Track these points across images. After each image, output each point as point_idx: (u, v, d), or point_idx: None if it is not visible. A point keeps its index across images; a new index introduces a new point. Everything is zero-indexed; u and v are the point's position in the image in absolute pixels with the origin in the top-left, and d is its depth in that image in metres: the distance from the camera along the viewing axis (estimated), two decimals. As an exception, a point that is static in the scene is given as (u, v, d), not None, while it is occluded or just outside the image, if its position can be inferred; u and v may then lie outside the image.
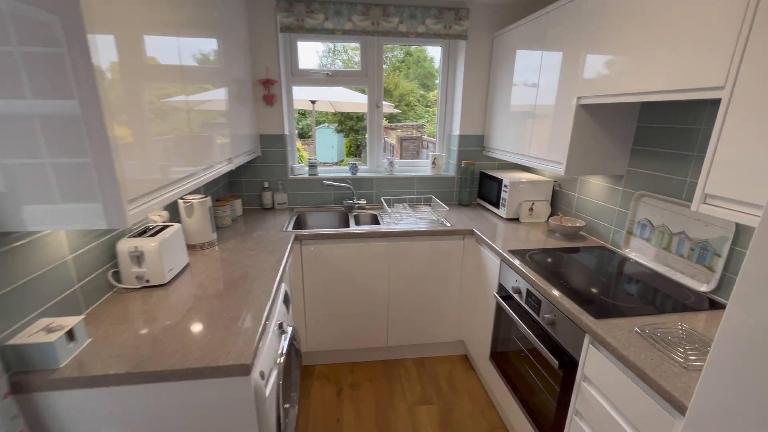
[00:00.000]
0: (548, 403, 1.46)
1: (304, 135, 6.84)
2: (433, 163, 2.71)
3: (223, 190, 2.44)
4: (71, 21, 0.77)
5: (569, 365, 1.31)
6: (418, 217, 2.36)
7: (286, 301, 1.59)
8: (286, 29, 2.23)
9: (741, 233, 1.28)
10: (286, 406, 1.41)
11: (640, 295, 1.38)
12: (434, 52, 2.95)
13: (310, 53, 2.43)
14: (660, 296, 1.37)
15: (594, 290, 1.42)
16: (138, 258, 1.34)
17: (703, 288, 1.38)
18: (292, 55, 2.45)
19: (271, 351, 1.23)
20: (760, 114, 0.92)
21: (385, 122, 2.66)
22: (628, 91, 1.35)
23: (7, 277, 0.94)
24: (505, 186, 2.29)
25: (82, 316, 1.05)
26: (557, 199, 2.31)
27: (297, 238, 2.02)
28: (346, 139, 8.98)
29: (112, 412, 0.97)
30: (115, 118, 0.87)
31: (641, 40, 1.28)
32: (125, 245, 1.32)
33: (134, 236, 1.38)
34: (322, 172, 2.69)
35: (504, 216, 2.32)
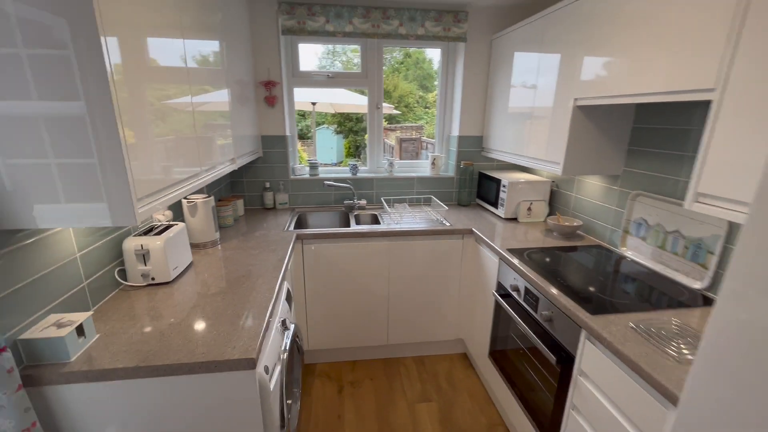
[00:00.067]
0: (546, 399, 1.48)
1: (303, 136, 6.87)
2: (433, 163, 2.74)
3: (225, 190, 2.46)
4: (85, 24, 0.80)
5: (566, 361, 1.34)
6: (417, 216, 2.39)
7: (289, 298, 1.62)
8: (287, 32, 2.26)
9: (733, 231, 1.32)
10: (289, 402, 1.44)
11: (636, 293, 1.41)
12: (433, 54, 2.98)
13: (310, 55, 2.46)
14: (655, 293, 1.40)
15: (590, 288, 1.45)
16: (144, 256, 1.36)
17: (697, 285, 1.41)
18: (294, 57, 2.48)
19: (275, 347, 1.25)
20: (750, 115, 0.96)
21: (384, 123, 2.69)
22: (623, 93, 1.38)
23: (19, 273, 0.97)
24: (504, 186, 2.32)
25: (90, 312, 1.08)
26: (555, 199, 2.34)
27: (298, 238, 2.05)
28: (345, 141, 9.01)
29: (121, 405, 0.99)
30: (125, 119, 0.89)
31: (635, 43, 1.32)
32: (131, 243, 1.35)
33: (139, 235, 1.41)
34: (323, 172, 2.72)
35: (503, 216, 2.35)
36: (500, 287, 1.85)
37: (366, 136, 2.74)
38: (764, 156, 0.92)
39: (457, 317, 2.34)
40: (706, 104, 1.38)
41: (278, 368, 1.23)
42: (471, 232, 2.17)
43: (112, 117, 0.85)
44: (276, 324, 1.33)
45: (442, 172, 2.80)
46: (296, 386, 1.56)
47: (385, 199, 2.67)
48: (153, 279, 1.39)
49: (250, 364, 1.01)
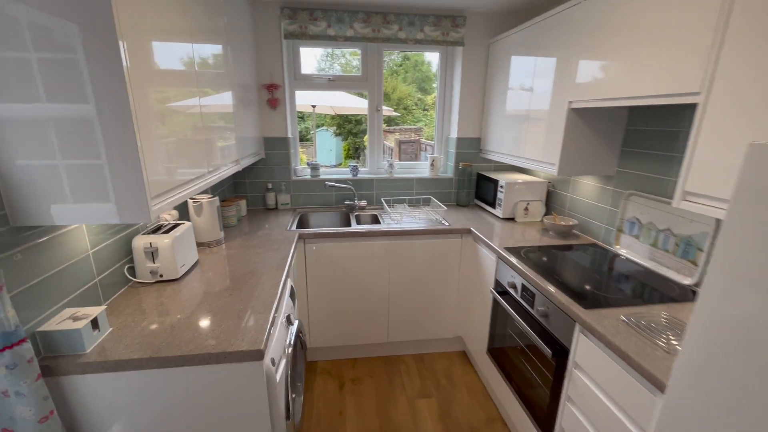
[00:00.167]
0: (542, 392, 1.53)
1: (302, 138, 6.92)
2: (432, 164, 2.79)
3: (228, 191, 2.51)
4: (105, 31, 0.84)
5: (561, 354, 1.39)
6: (417, 216, 2.44)
7: (292, 295, 1.66)
8: (290, 36, 2.31)
9: (720, 228, 1.37)
10: (293, 395, 1.48)
11: (628, 289, 1.46)
12: (431, 57, 3.04)
13: (309, 57, 2.51)
14: (646, 289, 1.45)
15: (585, 284, 1.50)
16: (152, 254, 1.41)
17: (687, 281, 1.46)
18: (295, 61, 2.54)
19: (280, 341, 1.30)
20: (732, 117, 1.01)
21: (383, 125, 2.74)
22: (615, 96, 1.44)
23: (37, 269, 1.01)
24: (502, 187, 2.37)
25: (104, 306, 1.12)
26: (551, 199, 2.39)
27: (301, 237, 2.09)
28: (344, 143, 9.07)
29: (134, 395, 1.03)
30: (140, 121, 0.94)
31: (626, 48, 1.37)
32: (140, 242, 1.39)
33: (148, 233, 1.45)
34: (324, 173, 2.77)
35: (500, 215, 2.40)
36: (498, 285, 1.90)
37: (365, 138, 2.79)
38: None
39: (455, 315, 2.39)
40: (695, 107, 1.44)
41: (284, 361, 1.28)
42: (469, 231, 2.21)
43: (129, 120, 0.90)
44: (281, 319, 1.37)
45: (441, 173, 2.85)
46: (300, 381, 1.60)
47: (385, 200, 2.72)
48: (161, 276, 1.43)
49: (258, 355, 1.05)
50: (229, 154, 1.74)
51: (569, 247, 1.91)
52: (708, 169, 1.09)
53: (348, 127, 9.17)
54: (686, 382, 0.84)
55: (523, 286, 1.65)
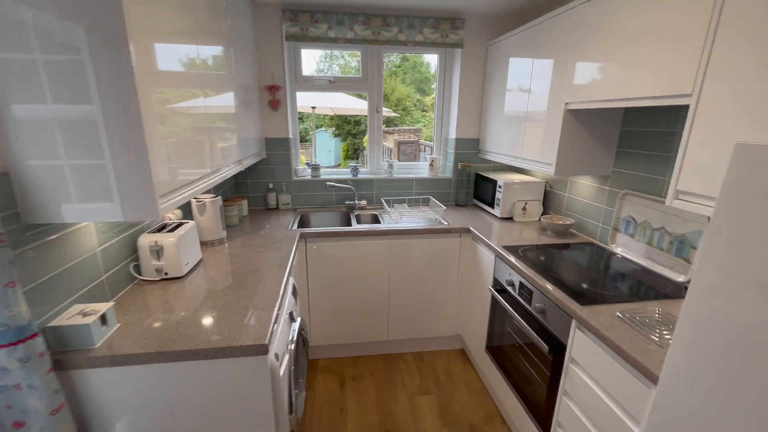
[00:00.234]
0: (540, 388, 1.56)
1: (302, 139, 6.95)
2: (431, 165, 2.82)
3: (230, 191, 2.53)
4: (116, 33, 0.87)
5: (558, 350, 1.42)
6: (417, 216, 2.47)
7: (294, 293, 1.69)
8: (291, 38, 2.34)
9: (708, 226, 1.40)
10: (296, 391, 1.51)
11: (624, 286, 1.50)
12: (430, 58, 3.07)
13: (308, 59, 2.54)
14: (641, 286, 1.49)
15: (581, 282, 1.53)
16: (158, 252, 1.43)
17: (681, 278, 1.50)
18: (296, 62, 2.57)
19: (283, 337, 1.33)
20: (722, 118, 1.05)
21: (383, 126, 2.77)
22: (610, 98, 1.47)
23: (48, 265, 1.04)
24: (500, 187, 2.41)
25: (112, 302, 1.15)
26: (549, 199, 2.43)
27: (302, 236, 2.12)
28: (343, 144, 9.10)
29: (142, 388, 1.06)
30: (149, 122, 0.97)
31: (620, 51, 1.41)
32: (146, 240, 1.42)
33: (153, 232, 1.48)
34: (324, 174, 2.80)
35: (498, 215, 2.44)
36: (496, 283, 1.93)
37: (364, 139, 2.82)
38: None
39: (455, 314, 2.42)
40: (687, 108, 1.48)
41: (287, 357, 1.31)
42: (468, 230, 2.25)
43: (138, 121, 0.93)
44: (284, 316, 1.40)
45: (440, 173, 2.88)
46: (302, 377, 1.62)
47: (385, 200, 2.75)
48: (166, 274, 1.46)
49: (263, 350, 1.08)
50: (231, 154, 1.77)
51: (566, 246, 1.94)
52: (699, 169, 1.12)
53: (347, 128, 9.21)
54: (677, 374, 0.87)
55: (521, 284, 1.68)
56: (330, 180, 2.68)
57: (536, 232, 2.18)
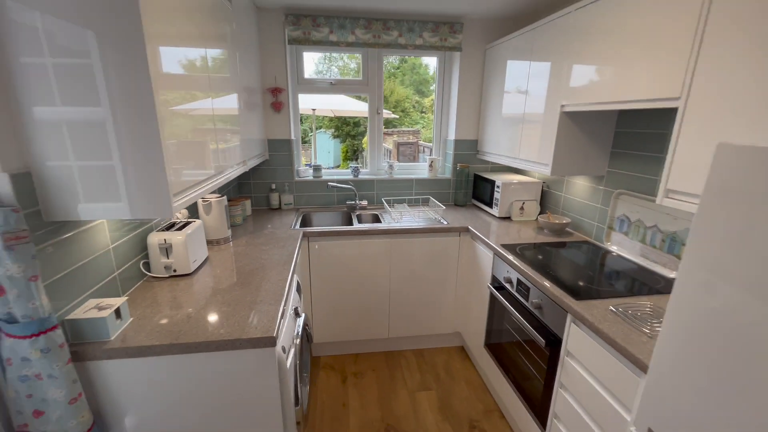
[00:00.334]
0: (537, 381, 1.61)
1: (301, 140, 7.00)
2: (431, 166, 2.88)
3: (233, 191, 2.58)
4: (134, 38, 0.92)
5: (554, 344, 1.47)
6: (417, 216, 2.52)
7: (299, 290, 1.74)
8: (293, 41, 2.39)
9: (692, 222, 1.46)
10: (300, 384, 1.55)
11: (617, 282, 1.55)
12: (429, 60, 3.13)
13: (308, 61, 2.58)
14: (634, 282, 1.54)
15: (577, 278, 1.58)
16: (167, 250, 1.48)
17: (672, 274, 1.55)
18: (298, 65, 2.62)
19: (289, 331, 1.37)
20: (708, 119, 1.10)
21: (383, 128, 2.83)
22: (604, 100, 1.53)
23: (65, 261, 1.08)
24: (498, 187, 2.46)
25: (126, 297, 1.20)
26: (546, 199, 2.48)
27: (305, 235, 2.17)
28: (342, 145, 9.16)
29: (154, 379, 1.10)
30: (163, 124, 1.02)
31: (614, 56, 1.46)
32: (155, 238, 1.46)
33: (162, 230, 1.52)
34: (325, 174, 2.84)
35: (497, 215, 2.49)
36: (494, 280, 1.98)
37: (364, 140, 2.87)
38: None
39: (454, 311, 2.47)
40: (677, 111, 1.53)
41: (293, 350, 1.35)
42: (467, 230, 2.30)
43: (154, 122, 0.97)
44: (290, 311, 1.45)
45: (439, 174, 2.94)
46: (305, 371, 1.67)
47: (385, 200, 2.81)
48: (175, 271, 1.50)
49: (271, 342, 1.13)
50: (236, 155, 1.82)
51: (563, 245, 2.00)
52: (688, 168, 1.18)
53: (346, 129, 9.26)
54: (665, 362, 0.92)
55: (519, 281, 1.73)
56: (331, 180, 2.72)
57: (534, 231, 2.23)
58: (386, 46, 2.49)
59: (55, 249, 1.05)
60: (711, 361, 0.81)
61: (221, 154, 1.57)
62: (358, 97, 4.07)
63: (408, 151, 6.25)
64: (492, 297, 1.99)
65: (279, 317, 1.23)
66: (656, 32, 1.27)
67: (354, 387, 2.20)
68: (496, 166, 2.90)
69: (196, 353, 1.10)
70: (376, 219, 2.60)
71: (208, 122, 1.43)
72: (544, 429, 1.55)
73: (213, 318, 1.22)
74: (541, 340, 1.50)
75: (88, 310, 1.09)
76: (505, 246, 1.94)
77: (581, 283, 1.53)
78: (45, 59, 0.91)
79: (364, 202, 2.74)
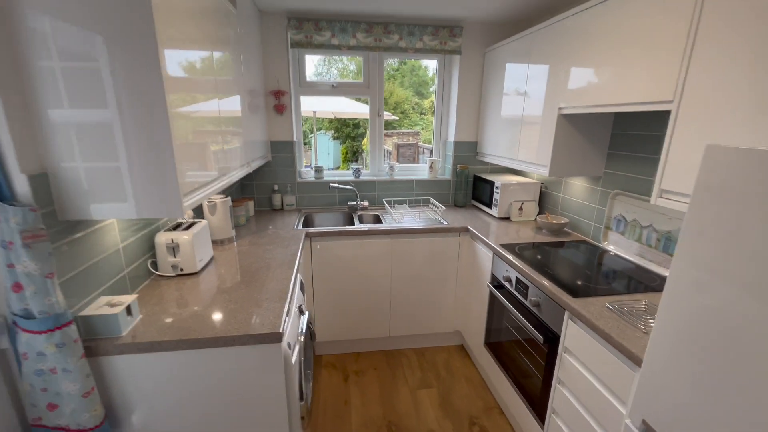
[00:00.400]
0: (535, 378, 1.64)
1: (302, 142, 7.02)
2: (431, 167, 2.91)
3: (236, 192, 2.62)
4: (148, 43, 0.96)
5: (552, 341, 1.50)
6: (417, 216, 2.56)
7: (302, 288, 1.77)
8: (296, 45, 2.44)
9: (683, 221, 1.49)
10: (304, 381, 1.59)
11: (614, 280, 1.59)
12: (428, 62, 3.17)
13: (308, 62, 2.62)
14: (630, 281, 1.58)
15: (574, 277, 1.62)
16: (174, 249, 1.51)
17: (667, 273, 1.58)
18: (300, 68, 2.66)
19: (294, 328, 1.41)
20: (699, 122, 1.14)
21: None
22: (600, 103, 1.57)
23: (78, 259, 1.12)
24: (497, 188, 2.50)
25: (136, 295, 1.23)
26: (544, 199, 2.52)
27: (307, 236, 2.20)
28: (342, 146, 9.20)
29: (164, 374, 1.14)
30: (174, 126, 1.05)
31: (610, 60, 1.51)
32: (162, 238, 1.50)
33: (169, 230, 1.56)
34: (327, 176, 2.88)
35: (496, 215, 2.53)
36: (494, 279, 2.02)
37: (363, 142, 2.91)
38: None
39: (454, 310, 2.50)
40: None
41: (297, 347, 1.39)
42: (467, 230, 2.34)
43: (166, 124, 1.01)
44: (294, 309, 1.48)
45: (439, 175, 2.97)
46: (309, 368, 1.70)
47: (386, 201, 2.84)
48: (181, 270, 1.54)
49: (277, 338, 1.16)
50: (241, 156, 1.86)
51: (561, 244, 2.03)
52: (680, 169, 1.21)
53: (346, 131, 9.31)
54: (658, 356, 0.96)
55: (518, 279, 1.77)
56: (333, 182, 2.76)
57: (532, 231, 2.27)
58: (387, 50, 2.53)
59: (69, 247, 1.09)
60: (701, 354, 0.85)
61: (227, 155, 1.60)
62: (358, 99, 4.11)
63: (408, 153, 6.29)
64: (491, 296, 2.03)
65: (284, 314, 1.27)
66: (649, 37, 1.32)
67: (356, 385, 2.23)
68: (495, 168, 2.94)
69: (205, 349, 1.13)
70: (377, 219, 2.63)
71: (215, 124, 1.46)
72: (543, 424, 1.58)
73: (220, 315, 1.25)
74: (540, 337, 1.54)
75: (100, 306, 1.13)
76: (504, 246, 1.98)
77: (579, 282, 1.56)
78: (61, 63, 0.95)
79: (366, 203, 2.78)
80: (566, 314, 1.42)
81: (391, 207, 2.77)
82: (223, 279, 1.55)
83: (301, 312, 1.56)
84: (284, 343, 1.21)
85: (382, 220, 2.54)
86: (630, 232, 1.81)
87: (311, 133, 5.90)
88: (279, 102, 2.56)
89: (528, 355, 1.71)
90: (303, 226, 2.44)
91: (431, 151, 3.14)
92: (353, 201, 2.78)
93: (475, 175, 2.85)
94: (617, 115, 1.89)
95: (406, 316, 2.46)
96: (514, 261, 1.79)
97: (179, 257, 1.52)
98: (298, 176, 2.76)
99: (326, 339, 2.42)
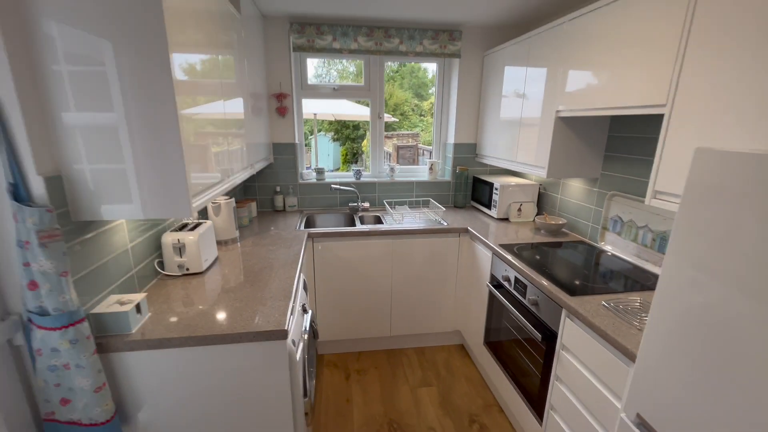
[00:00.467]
0: (534, 375, 1.68)
1: (302, 143, 7.06)
2: (431, 168, 2.95)
3: (239, 193, 2.65)
4: (159, 48, 1.00)
5: (550, 339, 1.54)
6: (417, 217, 2.60)
7: (305, 288, 1.81)
8: (298, 49, 2.48)
9: (674, 221, 1.53)
10: (307, 378, 1.62)
11: (610, 279, 1.62)
12: (428, 64, 3.21)
13: (308, 64, 2.66)
14: (626, 280, 1.61)
15: (572, 276, 1.65)
16: (180, 249, 1.55)
17: (663, 272, 1.62)
18: (302, 71, 2.70)
19: (298, 326, 1.44)
20: (691, 125, 1.18)
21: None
22: (596, 106, 1.61)
23: (89, 259, 1.15)
24: (496, 189, 2.54)
25: (145, 293, 1.26)
26: (543, 201, 2.56)
27: (309, 236, 2.24)
28: (342, 148, 9.25)
29: (173, 370, 1.17)
30: (183, 128, 1.09)
31: (605, 65, 1.55)
32: (169, 238, 1.53)
33: (175, 231, 1.59)
34: (328, 177, 2.92)
35: (495, 216, 2.56)
36: (493, 279, 2.06)
37: (363, 143, 2.95)
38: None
39: (454, 310, 2.54)
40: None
41: (301, 344, 1.42)
42: (467, 230, 2.37)
43: (176, 127, 1.05)
44: (298, 308, 1.51)
45: (439, 176, 3.01)
46: (312, 366, 1.73)
47: (387, 202, 2.88)
48: (187, 269, 1.57)
49: (283, 335, 1.19)
50: (245, 158, 1.89)
51: (559, 244, 2.07)
52: (673, 171, 1.25)
53: (346, 133, 9.36)
54: (651, 351, 0.99)
55: (516, 279, 1.81)
56: (335, 183, 2.80)
57: (531, 231, 2.31)
58: (388, 53, 2.57)
59: (81, 247, 1.12)
60: (692, 350, 0.88)
61: (232, 157, 1.64)
62: (359, 102, 4.14)
63: (408, 154, 6.34)
64: (491, 295, 2.07)
65: (289, 312, 1.30)
66: (643, 43, 1.36)
67: (357, 383, 2.26)
68: (494, 169, 2.98)
69: (212, 345, 1.17)
70: (378, 220, 2.67)
71: (221, 127, 1.50)
72: (541, 421, 1.62)
73: (226, 313, 1.29)
74: (538, 335, 1.57)
75: (110, 304, 1.16)
76: (503, 246, 2.01)
77: (576, 281, 1.60)
78: (74, 68, 0.99)
79: (367, 204, 2.82)
80: (564, 312, 1.45)
81: (391, 208, 2.80)
82: (228, 278, 1.58)
83: (305, 311, 1.60)
84: (289, 340, 1.24)
85: (383, 221, 2.58)
86: (626, 232, 1.85)
87: (311, 134, 5.95)
88: (281, 105, 2.59)
89: (527, 354, 1.74)
90: (305, 227, 2.47)
91: (431, 152, 3.18)
92: (354, 202, 2.82)
93: (474, 177, 2.89)
94: (613, 117, 1.92)
95: (407, 315, 2.50)
96: (513, 261, 1.82)
97: (185, 257, 1.55)
98: (299, 178, 2.80)
99: (328, 338, 2.46)
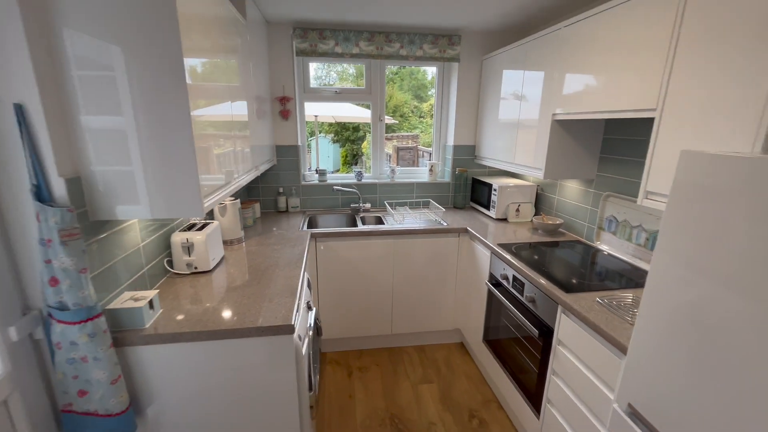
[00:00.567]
0: (531, 371, 1.73)
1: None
2: (430, 170, 3.01)
3: (243, 194, 2.70)
4: (173, 54, 1.05)
5: (547, 334, 1.59)
6: (418, 218, 2.65)
7: (309, 286, 1.86)
8: (300, 53, 2.53)
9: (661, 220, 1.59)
10: (312, 373, 1.67)
11: (605, 277, 1.68)
12: (427, 66, 3.26)
13: (309, 66, 2.71)
14: (621, 277, 1.67)
15: (568, 274, 1.71)
16: (188, 248, 1.60)
17: (656, 270, 1.68)
18: (305, 75, 2.76)
19: (303, 322, 1.49)
20: (680, 128, 1.23)
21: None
22: (591, 110, 1.67)
23: (106, 256, 1.21)
24: (495, 190, 2.59)
25: (157, 290, 1.31)
26: (540, 201, 2.62)
27: (312, 236, 2.29)
28: (342, 149, 9.30)
29: (184, 363, 1.22)
30: (195, 131, 1.14)
31: (600, 71, 1.60)
32: (178, 237, 1.58)
33: (184, 230, 1.64)
34: (330, 179, 2.97)
35: (494, 216, 2.62)
36: (492, 277, 2.11)
37: (363, 145, 3.01)
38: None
39: (454, 308, 2.59)
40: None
41: (306, 340, 1.47)
42: (466, 230, 2.42)
43: (189, 130, 1.10)
44: (303, 305, 1.56)
45: (439, 178, 3.07)
46: (316, 361, 1.78)
47: (387, 203, 2.93)
48: (196, 268, 1.62)
49: (290, 329, 1.24)
50: (250, 160, 1.95)
51: (556, 244, 2.12)
52: (663, 172, 1.31)
53: (346, 134, 9.41)
54: (641, 344, 1.04)
55: (514, 277, 1.86)
56: (336, 184, 2.85)
57: (529, 231, 2.36)
58: (388, 57, 2.63)
59: (100, 245, 1.17)
60: (679, 342, 0.93)
61: (239, 159, 1.69)
62: (359, 104, 4.20)
63: (408, 156, 6.39)
64: (490, 293, 2.12)
65: (295, 308, 1.35)
66: (635, 49, 1.41)
67: (359, 380, 2.31)
68: (493, 171, 3.03)
69: (222, 340, 1.22)
70: (379, 221, 2.72)
71: (228, 129, 1.55)
72: (539, 414, 1.67)
73: (234, 309, 1.34)
74: (535, 331, 1.62)
75: (124, 301, 1.21)
76: (501, 245, 2.07)
77: (572, 279, 1.65)
78: (93, 73, 1.04)
79: (368, 205, 2.87)
80: (559, 309, 1.50)
81: (392, 209, 2.86)
82: (235, 277, 1.63)
83: (309, 308, 1.65)
84: (296, 335, 1.29)
85: (384, 222, 2.63)
86: (621, 232, 1.90)
87: (312, 136, 6.00)
88: (284, 107, 2.65)
89: (524, 350, 1.80)
90: (308, 228, 2.52)
91: (431, 154, 3.24)
92: (356, 203, 2.87)
93: (473, 178, 2.94)
94: (608, 120, 1.98)
95: (408, 314, 2.55)
96: (511, 260, 1.87)
97: (194, 256, 1.61)
98: (302, 179, 2.85)
99: (330, 336, 2.50)
